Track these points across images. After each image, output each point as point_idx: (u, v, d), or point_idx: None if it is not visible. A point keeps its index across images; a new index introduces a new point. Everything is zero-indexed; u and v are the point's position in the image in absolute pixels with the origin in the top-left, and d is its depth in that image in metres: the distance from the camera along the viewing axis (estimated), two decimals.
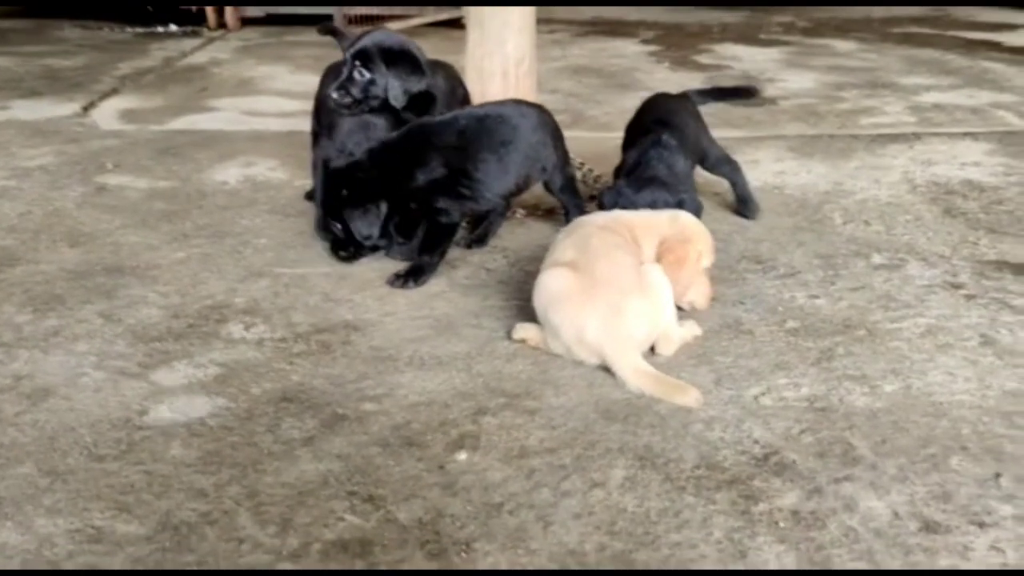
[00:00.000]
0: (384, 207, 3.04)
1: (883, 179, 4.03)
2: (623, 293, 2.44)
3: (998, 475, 2.04)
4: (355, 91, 3.14)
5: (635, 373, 2.37)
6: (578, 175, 4.05)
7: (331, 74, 3.52)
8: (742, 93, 4.34)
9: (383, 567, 1.76)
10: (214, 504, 1.93)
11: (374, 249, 3.15)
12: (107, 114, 5.21)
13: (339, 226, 3.09)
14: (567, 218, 3.30)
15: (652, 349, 2.54)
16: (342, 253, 3.14)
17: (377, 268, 3.12)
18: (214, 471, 2.04)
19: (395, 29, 4.73)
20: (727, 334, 2.68)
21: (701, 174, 3.50)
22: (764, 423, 2.23)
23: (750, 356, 2.55)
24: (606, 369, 2.42)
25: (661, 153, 3.05)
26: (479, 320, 2.77)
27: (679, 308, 2.66)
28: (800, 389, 2.39)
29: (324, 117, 3.45)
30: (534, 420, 2.24)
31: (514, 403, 2.32)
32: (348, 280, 3.04)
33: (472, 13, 4.13)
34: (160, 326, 2.71)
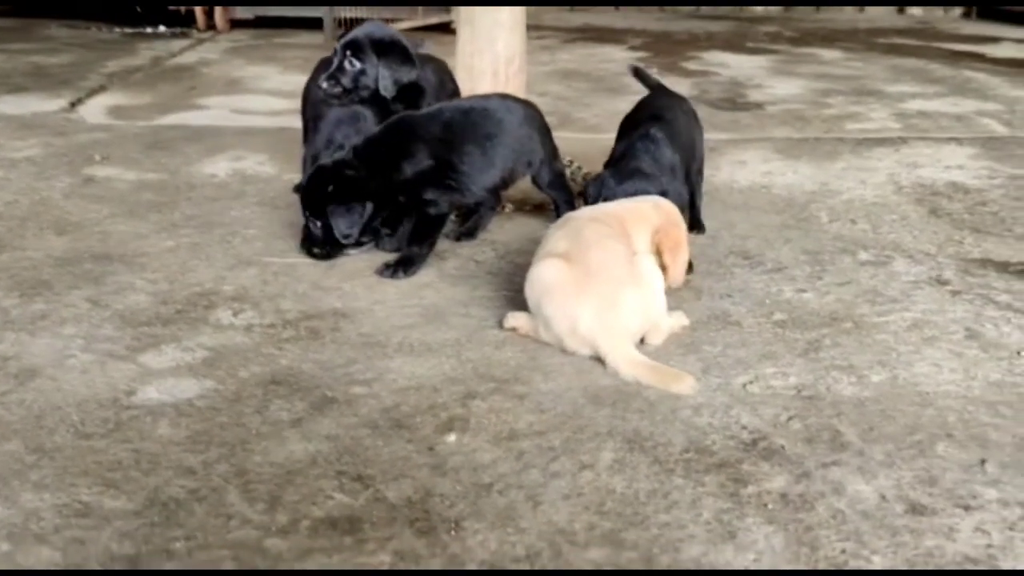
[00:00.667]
0: (369, 207, 3.02)
1: (869, 180, 4.07)
2: (617, 284, 2.45)
3: (983, 461, 2.06)
4: (345, 81, 3.15)
5: (629, 363, 2.37)
6: (567, 172, 4.08)
7: (322, 68, 3.52)
8: None
9: (372, 544, 1.76)
10: (202, 481, 1.92)
11: (358, 245, 3.12)
12: (95, 110, 5.20)
13: (318, 223, 3.05)
14: (557, 213, 3.31)
15: (641, 339, 2.55)
16: (316, 250, 3.09)
17: (366, 258, 3.12)
18: (202, 450, 2.03)
19: None
20: (715, 325, 2.70)
21: None
22: (752, 410, 2.24)
23: (738, 346, 2.57)
24: (597, 359, 2.43)
25: (648, 146, 3.06)
26: (468, 309, 2.77)
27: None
28: (788, 378, 2.40)
29: (310, 110, 3.45)
30: (523, 404, 2.25)
31: (503, 388, 2.32)
32: (337, 269, 3.04)
33: (462, 11, 4.14)
34: (148, 311, 2.70)
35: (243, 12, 8.60)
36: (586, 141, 4.53)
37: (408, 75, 3.24)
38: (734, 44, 8.05)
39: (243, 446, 2.05)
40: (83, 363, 2.39)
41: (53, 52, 6.96)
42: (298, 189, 3.64)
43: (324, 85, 3.15)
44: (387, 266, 3.00)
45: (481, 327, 2.65)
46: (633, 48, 7.83)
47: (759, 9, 10.60)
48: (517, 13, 4.17)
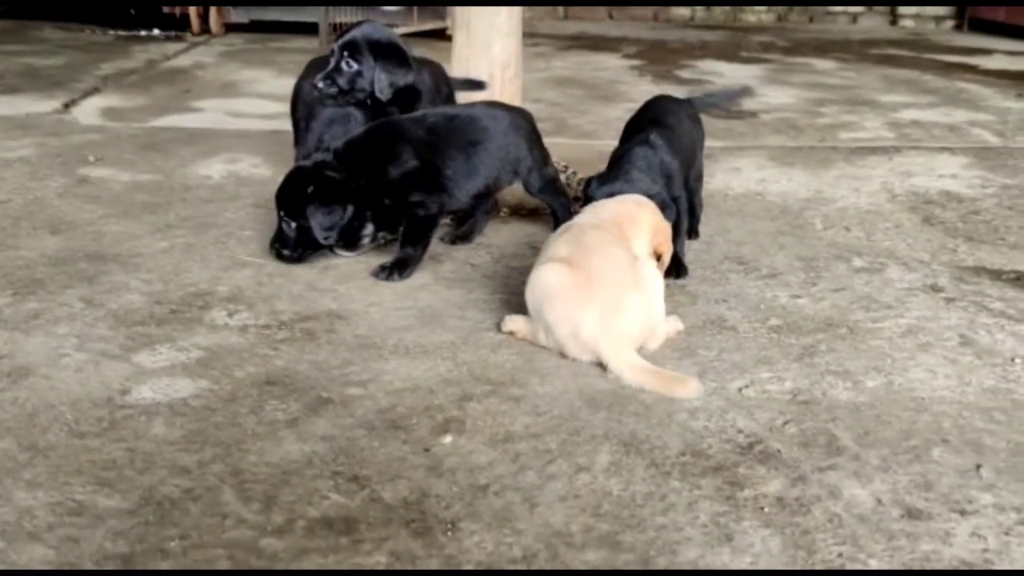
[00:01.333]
0: (350, 209, 2.99)
1: (863, 188, 4.08)
2: (620, 289, 2.44)
3: (978, 466, 2.06)
4: (342, 81, 3.14)
5: (632, 369, 2.36)
6: (562, 178, 4.08)
7: (312, 67, 3.52)
8: (741, 93, 4.39)
9: (368, 544, 1.75)
10: (197, 481, 1.91)
11: (353, 248, 3.09)
12: (88, 111, 5.19)
13: (292, 224, 3.01)
14: (554, 218, 3.31)
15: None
16: (286, 252, 3.04)
17: (362, 260, 3.12)
18: (197, 449, 2.02)
19: None
20: (710, 330, 2.70)
21: None
22: (748, 414, 2.25)
23: (733, 351, 2.57)
24: (596, 364, 2.42)
25: (645, 150, 3.04)
26: (464, 312, 2.77)
27: None
28: (783, 383, 2.40)
29: (301, 109, 3.45)
30: (519, 407, 2.24)
31: (499, 390, 2.31)
32: (332, 271, 3.03)
33: (459, 14, 4.14)
34: (142, 311, 2.69)
35: (238, 16, 8.59)
36: (581, 147, 4.55)
37: (404, 78, 3.24)
38: (728, 53, 8.08)
39: (238, 446, 2.04)
40: (77, 362, 2.38)
41: (47, 54, 6.94)
42: None
43: (320, 85, 3.14)
44: (382, 268, 2.99)
45: (477, 330, 2.65)
46: (627, 56, 7.86)
47: (752, 19, 10.65)
48: (514, 18, 4.17)
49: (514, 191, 3.79)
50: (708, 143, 4.53)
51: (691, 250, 3.23)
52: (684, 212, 3.12)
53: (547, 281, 2.47)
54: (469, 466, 2.00)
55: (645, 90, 6.21)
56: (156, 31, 8.35)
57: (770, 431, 2.18)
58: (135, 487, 1.88)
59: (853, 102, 6.00)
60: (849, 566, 1.74)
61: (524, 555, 1.74)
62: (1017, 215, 3.77)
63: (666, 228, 2.77)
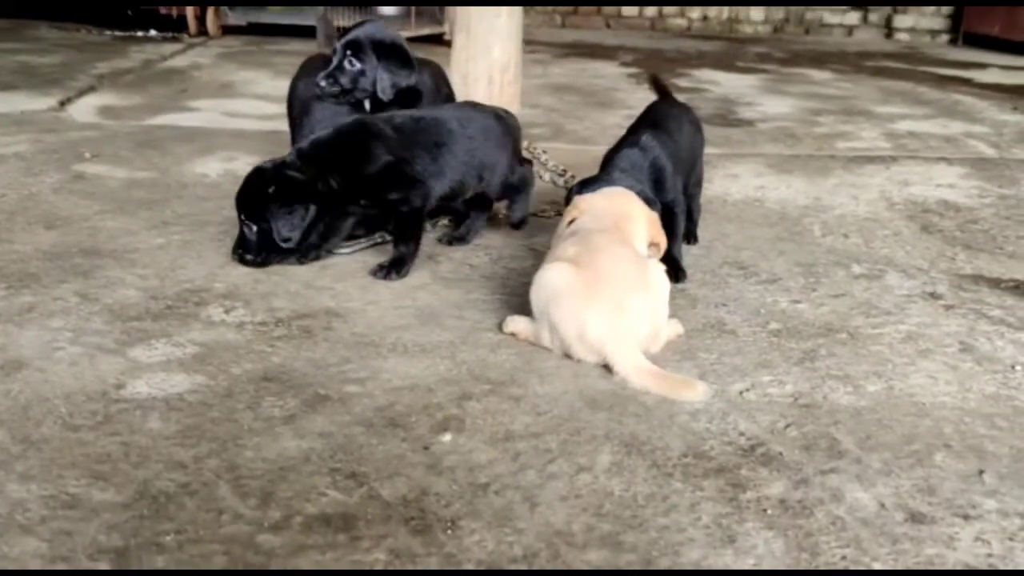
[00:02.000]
0: (312, 210, 2.91)
1: (861, 196, 4.08)
2: (627, 290, 2.42)
3: (981, 472, 2.05)
4: (344, 81, 3.13)
5: (638, 371, 2.34)
6: (560, 181, 4.08)
7: (306, 67, 3.51)
8: None
9: (367, 542, 1.73)
10: (193, 476, 1.89)
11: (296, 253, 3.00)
12: (84, 109, 5.16)
13: (254, 227, 2.93)
14: (510, 210, 3.26)
15: None
16: (248, 257, 2.97)
17: (359, 259, 3.10)
18: (193, 444, 1.99)
19: None
20: (710, 333, 2.68)
21: None
22: (749, 416, 2.23)
23: (734, 354, 2.56)
24: (601, 366, 2.40)
25: (631, 152, 3.00)
26: (462, 312, 2.75)
27: None
28: (784, 386, 2.39)
29: (297, 107, 3.43)
30: (519, 406, 2.22)
31: (499, 390, 2.29)
32: (330, 270, 3.01)
33: (459, 16, 4.15)
34: (138, 306, 2.66)
35: (235, 18, 8.58)
36: (578, 152, 4.53)
37: (407, 79, 3.22)
38: (724, 63, 8.10)
39: (235, 441, 2.01)
40: (71, 356, 2.35)
41: (43, 52, 6.91)
42: None
43: (322, 83, 3.12)
44: (380, 267, 2.97)
45: (476, 329, 2.63)
46: (624, 64, 7.86)
47: (749, 30, 10.69)
48: (514, 21, 4.18)
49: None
50: (706, 149, 4.54)
51: (690, 254, 3.22)
52: (682, 216, 3.10)
53: (553, 280, 2.45)
54: (469, 464, 1.98)
55: (642, 97, 6.18)
56: (153, 32, 8.33)
57: (771, 434, 2.16)
58: (130, 481, 1.85)
59: (849, 112, 6.01)
60: (853, 569, 1.72)
61: (525, 554, 1.72)
62: (1015, 225, 3.77)
63: (655, 217, 2.76)
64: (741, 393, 2.34)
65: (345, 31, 3.33)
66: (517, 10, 4.27)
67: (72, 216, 3.36)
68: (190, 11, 8.35)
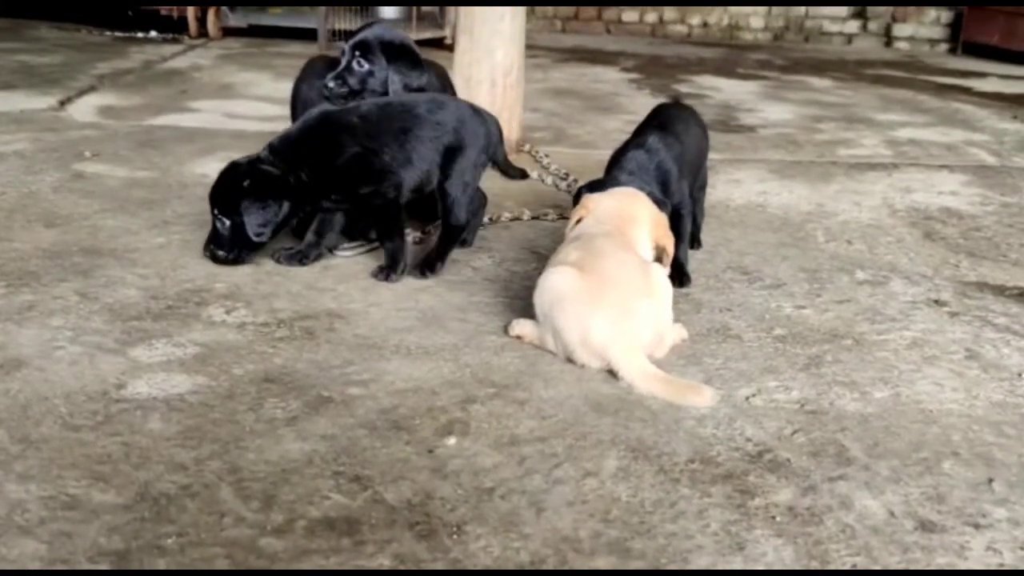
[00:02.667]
0: (286, 206, 2.88)
1: (863, 203, 4.07)
2: (632, 294, 2.40)
3: (990, 480, 2.03)
4: (353, 81, 3.11)
5: (644, 377, 2.31)
6: (562, 185, 4.06)
7: (310, 68, 3.49)
8: None
9: (371, 546, 1.70)
10: (195, 477, 1.86)
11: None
12: (84, 109, 5.14)
13: (227, 222, 2.89)
14: (444, 215, 3.08)
15: None
16: (221, 254, 2.93)
17: (361, 260, 3.08)
18: (194, 445, 1.97)
19: None
20: (715, 338, 2.66)
21: None
22: (756, 422, 2.21)
23: (739, 359, 2.54)
24: (606, 371, 2.38)
25: (637, 153, 2.98)
26: (466, 315, 2.72)
27: None
28: (791, 392, 2.37)
29: (300, 109, 3.41)
30: (524, 410, 2.20)
31: (503, 393, 2.27)
32: (331, 271, 2.99)
33: (462, 19, 4.13)
34: (139, 306, 2.63)
35: (236, 20, 8.55)
36: (579, 155, 4.51)
37: (418, 80, 3.20)
38: (725, 69, 8.09)
39: (236, 443, 1.99)
40: (71, 355, 2.32)
41: (43, 52, 6.88)
42: None
43: (331, 84, 3.09)
44: (381, 268, 2.95)
45: (479, 332, 2.60)
46: (625, 69, 7.85)
47: (749, 37, 10.69)
48: (517, 24, 4.16)
49: (515, 195, 3.78)
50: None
51: (694, 259, 3.20)
52: (688, 219, 3.08)
53: (557, 284, 2.42)
54: (474, 469, 1.96)
55: (643, 102, 6.20)
56: (153, 33, 8.29)
57: (779, 440, 2.14)
58: (130, 482, 1.83)
59: (850, 119, 6.01)
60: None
61: (532, 560, 1.69)
62: (1018, 232, 3.76)
63: (663, 220, 2.72)
64: (747, 399, 2.32)
65: (346, 33, 3.31)
66: (520, 14, 4.24)
67: (72, 215, 3.33)
68: (191, 12, 8.32)
